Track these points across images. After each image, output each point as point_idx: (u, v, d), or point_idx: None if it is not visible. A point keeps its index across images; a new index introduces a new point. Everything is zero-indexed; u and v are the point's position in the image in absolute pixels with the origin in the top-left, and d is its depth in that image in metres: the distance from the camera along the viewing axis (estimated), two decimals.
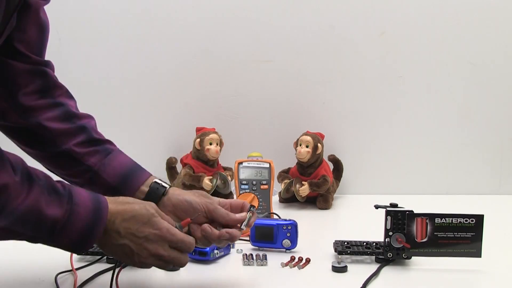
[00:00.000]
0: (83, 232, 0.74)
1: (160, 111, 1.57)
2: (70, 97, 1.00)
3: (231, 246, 1.04)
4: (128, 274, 0.92)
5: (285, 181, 1.46)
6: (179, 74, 1.56)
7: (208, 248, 0.95)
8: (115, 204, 0.78)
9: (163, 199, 0.90)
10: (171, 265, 0.80)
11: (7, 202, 0.68)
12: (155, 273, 0.93)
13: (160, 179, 0.94)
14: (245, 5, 1.53)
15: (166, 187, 0.92)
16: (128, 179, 0.93)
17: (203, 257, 0.96)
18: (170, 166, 1.53)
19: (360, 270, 0.94)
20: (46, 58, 0.98)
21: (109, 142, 0.99)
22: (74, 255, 0.94)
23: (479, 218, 0.94)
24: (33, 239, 0.74)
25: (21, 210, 0.69)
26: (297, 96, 1.58)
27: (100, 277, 0.90)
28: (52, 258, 0.97)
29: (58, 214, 0.72)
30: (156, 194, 0.90)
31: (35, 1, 0.87)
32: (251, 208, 0.88)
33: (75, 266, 0.92)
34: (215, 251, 0.97)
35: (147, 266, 0.79)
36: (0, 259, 0.99)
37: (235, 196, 1.25)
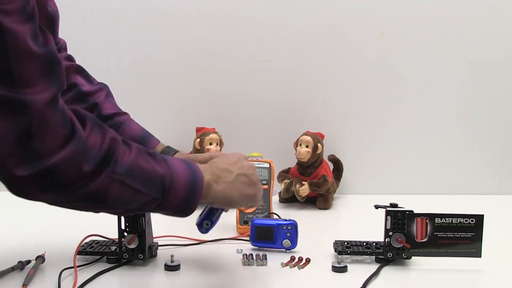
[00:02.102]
0: (188, 186, 0.75)
1: (160, 111, 1.57)
2: (81, 71, 1.05)
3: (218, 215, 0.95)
4: (128, 274, 0.92)
5: (285, 181, 1.46)
6: (179, 74, 1.56)
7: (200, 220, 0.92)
8: (209, 160, 0.86)
9: None
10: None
11: (119, 155, 0.70)
12: (155, 273, 0.93)
13: (168, 147, 1.06)
14: (245, 5, 1.53)
15: (175, 151, 1.04)
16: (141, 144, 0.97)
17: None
18: None
19: (360, 270, 0.94)
20: None
21: (119, 114, 1.05)
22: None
23: (479, 218, 0.94)
24: (148, 204, 0.74)
25: (131, 164, 0.70)
26: (297, 96, 1.58)
27: (101, 277, 0.90)
28: (54, 254, 0.97)
29: (161, 172, 0.73)
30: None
31: None
32: None
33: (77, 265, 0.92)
34: (205, 222, 0.91)
35: (260, 187, 0.86)
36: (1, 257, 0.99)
37: None
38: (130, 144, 0.73)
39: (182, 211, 0.77)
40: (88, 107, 1.00)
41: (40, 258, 0.94)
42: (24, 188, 0.65)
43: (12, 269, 0.90)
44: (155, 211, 0.77)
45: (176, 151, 1.05)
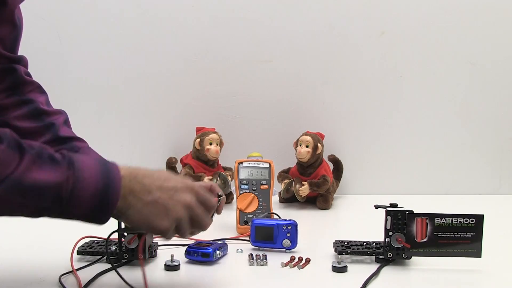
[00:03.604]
0: (97, 197, 0.68)
1: (160, 111, 1.57)
2: (42, 92, 0.98)
3: (226, 247, 1.03)
4: (128, 274, 0.92)
5: (285, 181, 1.46)
6: (179, 74, 1.56)
7: (210, 249, 0.95)
8: (124, 167, 0.73)
9: None
10: (198, 227, 0.76)
11: (19, 175, 0.64)
12: (155, 273, 0.93)
13: None
14: (245, 5, 1.53)
15: None
16: None
17: (206, 258, 0.96)
18: (170, 166, 1.53)
19: (360, 270, 0.94)
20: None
21: (77, 139, 0.98)
22: (74, 255, 0.94)
23: (479, 218, 0.94)
24: (44, 212, 0.68)
25: (16, 179, 0.65)
26: (297, 96, 1.58)
27: (102, 277, 0.90)
28: (53, 258, 0.97)
29: (58, 180, 0.67)
30: None
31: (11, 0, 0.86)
32: (219, 196, 0.86)
33: (75, 267, 0.92)
34: (217, 252, 0.97)
35: (181, 223, 0.74)
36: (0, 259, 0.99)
37: (235, 196, 1.25)
38: (23, 152, 0.66)
39: (91, 220, 0.71)
40: (43, 126, 0.94)
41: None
42: None
43: None
44: (58, 218, 0.70)
45: None
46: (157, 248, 1.01)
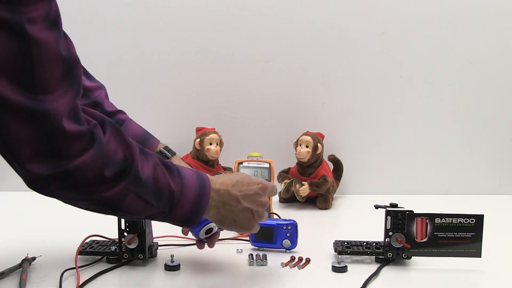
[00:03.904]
0: (194, 203, 0.78)
1: (159, 111, 1.57)
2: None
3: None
4: (128, 274, 0.92)
5: (285, 181, 1.45)
6: (179, 73, 1.56)
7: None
8: (216, 176, 0.85)
9: None
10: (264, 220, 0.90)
11: (138, 166, 0.72)
12: (155, 273, 0.93)
13: (166, 147, 1.08)
14: (245, 5, 1.53)
15: (169, 156, 1.06)
16: (141, 145, 0.98)
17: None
18: None
19: (360, 270, 0.94)
20: None
21: (120, 112, 1.07)
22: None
23: (479, 218, 0.94)
24: (155, 214, 0.77)
25: (148, 178, 0.73)
26: (297, 96, 1.58)
27: (101, 277, 0.90)
28: (57, 255, 0.97)
29: (173, 186, 0.76)
30: None
31: None
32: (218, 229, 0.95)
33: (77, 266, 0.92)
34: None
35: (255, 227, 0.88)
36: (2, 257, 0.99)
37: None
38: (148, 154, 0.75)
39: (185, 223, 0.80)
40: (90, 103, 1.01)
41: (27, 261, 0.93)
42: (43, 185, 0.67)
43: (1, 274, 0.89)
44: (161, 221, 0.80)
45: (174, 153, 1.08)
46: (157, 248, 1.01)
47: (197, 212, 0.79)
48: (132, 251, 0.94)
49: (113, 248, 0.98)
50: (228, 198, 0.83)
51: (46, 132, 0.63)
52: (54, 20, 0.65)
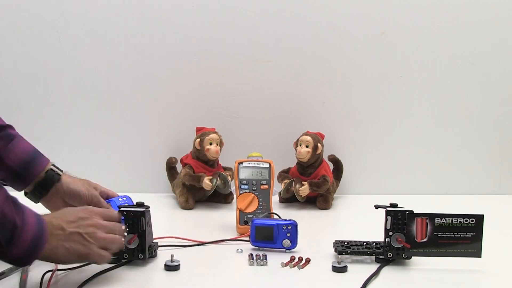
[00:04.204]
0: (33, 241, 0.77)
1: (160, 111, 1.57)
2: None
3: None
4: (128, 274, 0.92)
5: (285, 181, 1.45)
6: (179, 74, 1.56)
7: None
8: (48, 215, 0.85)
9: (57, 185, 1.05)
10: (116, 244, 0.87)
11: None
12: (155, 273, 0.93)
13: (54, 165, 1.06)
14: (245, 5, 1.53)
15: (60, 174, 1.06)
16: (30, 165, 1.03)
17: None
18: (170, 166, 1.53)
19: (360, 270, 0.94)
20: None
21: (10, 127, 1.05)
22: None
23: (479, 218, 0.94)
24: None
25: None
26: (297, 96, 1.58)
27: (101, 277, 0.90)
28: None
29: (17, 220, 0.75)
30: (51, 180, 1.05)
31: None
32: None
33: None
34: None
35: (100, 244, 0.85)
36: None
37: (235, 196, 1.25)
38: (1, 186, 0.75)
39: (20, 261, 0.79)
40: None
41: None
42: None
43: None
44: None
45: (60, 176, 1.06)
46: (157, 248, 1.01)
47: (35, 250, 0.78)
48: (132, 251, 0.94)
49: None
50: (52, 228, 0.81)
51: None
52: None
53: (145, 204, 0.96)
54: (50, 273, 0.88)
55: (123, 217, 0.94)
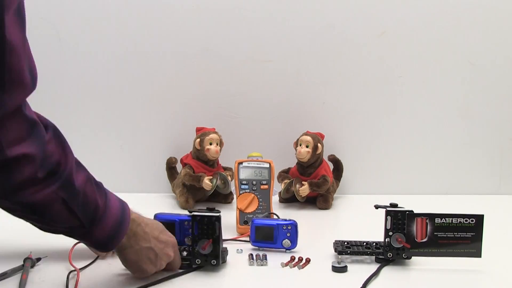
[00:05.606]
0: (114, 227, 0.78)
1: (160, 111, 1.57)
2: None
3: None
4: (128, 274, 0.92)
5: (285, 181, 1.45)
6: (179, 73, 1.56)
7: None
8: (132, 210, 0.84)
9: None
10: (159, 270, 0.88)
11: (72, 174, 0.72)
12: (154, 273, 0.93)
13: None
14: (245, 4, 1.53)
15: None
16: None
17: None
18: (170, 166, 1.53)
19: (360, 270, 0.94)
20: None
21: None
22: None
23: (479, 218, 0.94)
24: (74, 227, 0.76)
25: (79, 188, 0.73)
26: (297, 96, 1.58)
27: (100, 276, 0.90)
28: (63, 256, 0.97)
29: (99, 202, 0.76)
30: None
31: None
32: None
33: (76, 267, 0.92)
34: None
35: (160, 269, 0.87)
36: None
37: (235, 196, 1.25)
38: (82, 167, 0.76)
39: (102, 246, 0.79)
40: None
41: (29, 260, 0.93)
42: None
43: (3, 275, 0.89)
44: (76, 237, 0.79)
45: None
46: (227, 254, 1.00)
47: (116, 237, 0.78)
48: (206, 257, 0.92)
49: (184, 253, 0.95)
50: (140, 231, 0.82)
51: None
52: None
53: (215, 209, 0.94)
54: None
55: (196, 222, 0.92)
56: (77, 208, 0.73)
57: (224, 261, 0.97)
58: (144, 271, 0.85)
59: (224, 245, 0.98)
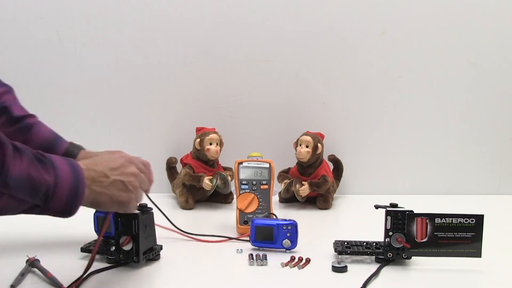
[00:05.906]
0: (71, 192, 0.77)
1: (160, 111, 1.57)
2: None
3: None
4: (128, 274, 0.92)
5: (285, 181, 1.46)
6: (179, 74, 1.56)
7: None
8: (81, 161, 0.83)
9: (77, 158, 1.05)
10: (140, 198, 0.89)
11: (9, 164, 0.70)
12: (155, 272, 0.93)
13: (71, 143, 1.08)
14: (245, 5, 1.53)
15: (76, 152, 1.07)
16: (51, 148, 1.05)
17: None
18: (170, 166, 1.53)
19: (360, 270, 0.94)
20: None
21: (30, 116, 1.07)
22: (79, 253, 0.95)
23: (479, 218, 0.94)
24: (29, 209, 0.75)
25: (20, 175, 0.71)
26: (297, 96, 1.58)
27: (100, 277, 0.90)
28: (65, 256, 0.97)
29: (48, 180, 0.74)
30: (71, 156, 1.04)
31: None
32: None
33: (76, 267, 0.92)
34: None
35: (137, 194, 0.87)
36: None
37: (235, 196, 1.25)
38: (21, 150, 0.73)
39: (63, 214, 0.78)
40: None
41: (29, 262, 0.93)
42: None
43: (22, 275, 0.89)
44: (36, 214, 0.78)
45: (80, 147, 1.09)
46: (159, 251, 1.00)
47: (76, 200, 0.77)
48: (127, 253, 0.93)
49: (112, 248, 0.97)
50: (96, 174, 0.81)
51: None
52: None
53: (147, 207, 0.95)
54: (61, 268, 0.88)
55: (119, 218, 0.93)
56: (26, 196, 0.73)
57: (151, 258, 0.97)
58: (126, 203, 0.85)
59: (159, 243, 0.99)
